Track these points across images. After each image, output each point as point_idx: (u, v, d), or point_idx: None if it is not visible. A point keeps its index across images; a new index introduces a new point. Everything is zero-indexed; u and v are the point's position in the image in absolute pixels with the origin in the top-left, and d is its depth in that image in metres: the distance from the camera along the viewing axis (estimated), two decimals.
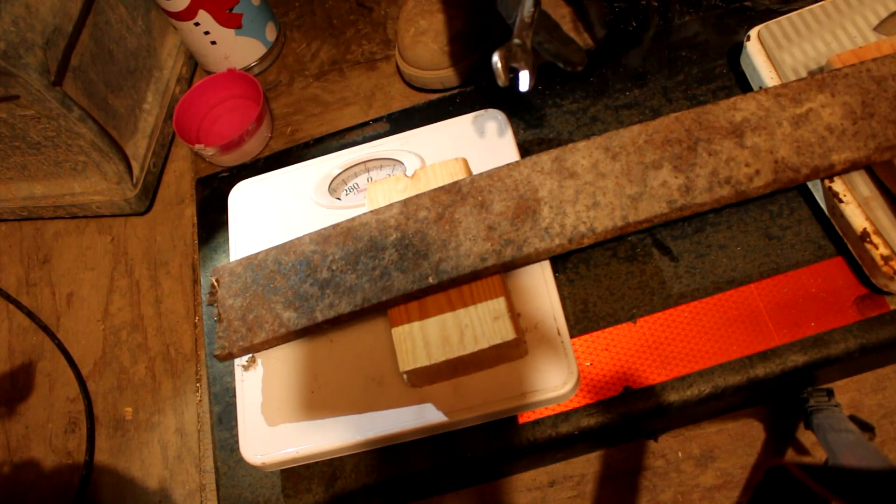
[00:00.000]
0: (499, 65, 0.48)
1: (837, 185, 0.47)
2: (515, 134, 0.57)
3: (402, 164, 0.57)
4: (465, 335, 0.45)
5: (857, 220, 0.46)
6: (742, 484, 0.63)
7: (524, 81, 0.49)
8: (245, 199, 0.60)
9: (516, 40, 0.49)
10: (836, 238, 0.49)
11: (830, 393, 0.58)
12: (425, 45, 0.76)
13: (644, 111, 0.59)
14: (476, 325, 0.45)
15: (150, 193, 0.88)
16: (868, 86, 0.47)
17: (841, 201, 0.47)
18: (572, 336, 0.50)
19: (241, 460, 0.51)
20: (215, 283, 0.52)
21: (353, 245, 0.49)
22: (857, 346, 0.47)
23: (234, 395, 0.54)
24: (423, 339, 0.45)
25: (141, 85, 0.87)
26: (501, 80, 0.49)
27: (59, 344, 0.84)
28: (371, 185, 0.53)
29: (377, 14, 0.94)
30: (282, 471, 0.52)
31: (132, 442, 0.78)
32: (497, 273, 0.47)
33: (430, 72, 0.78)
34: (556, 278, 0.52)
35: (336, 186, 0.59)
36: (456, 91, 0.66)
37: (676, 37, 0.61)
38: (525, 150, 0.59)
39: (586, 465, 0.66)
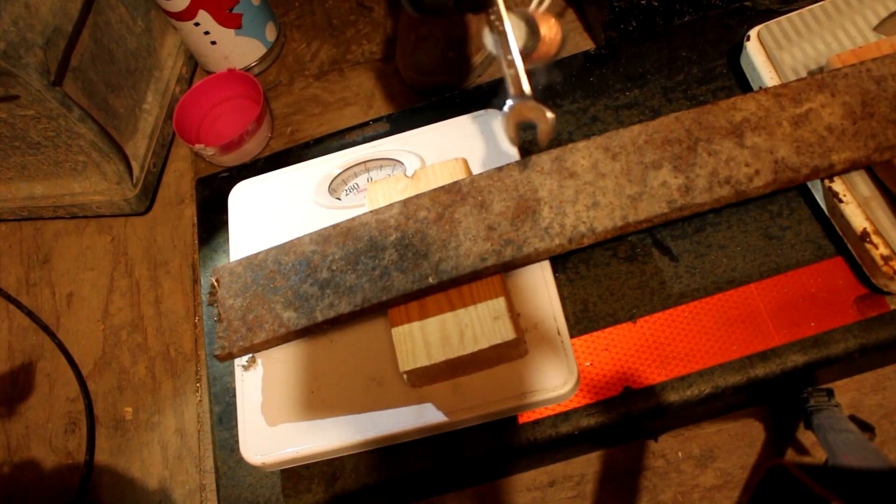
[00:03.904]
0: (510, 129, 0.42)
1: (837, 185, 0.47)
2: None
3: (402, 164, 0.57)
4: (465, 335, 0.45)
5: (857, 220, 0.46)
6: (742, 484, 0.63)
7: (544, 133, 0.43)
8: (245, 199, 0.60)
9: (521, 96, 0.42)
10: (836, 238, 0.49)
11: (830, 393, 0.58)
12: (426, 51, 0.77)
13: (644, 111, 0.59)
14: (476, 325, 0.45)
15: (150, 193, 0.88)
16: (868, 86, 0.47)
17: (841, 201, 0.47)
18: (572, 336, 0.50)
19: (241, 460, 0.51)
20: (215, 283, 0.52)
21: (353, 245, 0.49)
22: (857, 346, 0.47)
23: (234, 395, 0.54)
24: (423, 339, 0.45)
25: (141, 85, 0.87)
26: (513, 142, 0.44)
27: (59, 344, 0.84)
28: (371, 185, 0.53)
29: (377, 14, 0.94)
30: (282, 471, 0.52)
31: (132, 442, 0.78)
32: (497, 273, 0.47)
33: (431, 77, 0.78)
34: (556, 278, 0.52)
35: (336, 186, 0.59)
36: (456, 91, 0.65)
37: (676, 37, 0.61)
38: (525, 150, 0.59)
39: (586, 465, 0.66)
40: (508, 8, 0.41)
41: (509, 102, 0.41)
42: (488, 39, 0.42)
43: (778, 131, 0.47)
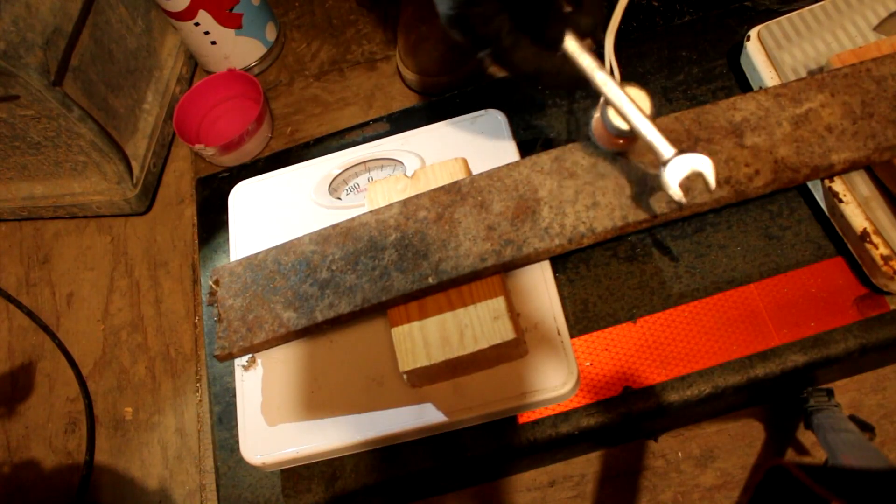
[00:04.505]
0: (675, 191, 0.40)
1: (837, 185, 0.47)
2: (515, 134, 0.57)
3: (402, 164, 0.57)
4: (465, 335, 0.45)
5: (857, 220, 0.46)
6: (742, 484, 0.63)
7: (710, 181, 0.40)
8: (245, 199, 0.60)
9: (671, 156, 0.40)
10: (836, 238, 0.49)
11: (830, 393, 0.58)
12: (426, 52, 0.76)
13: None
14: (476, 325, 0.45)
15: (150, 193, 0.88)
16: (868, 85, 0.47)
17: (841, 201, 0.47)
18: (572, 336, 0.50)
19: (241, 460, 0.51)
20: (214, 284, 0.52)
21: (353, 245, 0.49)
22: (857, 346, 0.47)
23: (234, 395, 0.54)
24: (423, 340, 0.45)
25: (141, 85, 0.87)
26: (681, 198, 0.41)
27: (59, 344, 0.84)
28: (371, 185, 0.53)
29: (377, 14, 0.94)
30: (282, 471, 0.52)
31: (132, 442, 0.78)
32: (497, 273, 0.47)
33: (431, 78, 0.78)
34: (556, 278, 0.52)
35: (336, 186, 0.59)
36: (456, 91, 0.65)
37: (676, 37, 0.61)
38: (525, 150, 0.59)
39: (586, 465, 0.66)
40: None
41: (667, 167, 0.40)
42: (613, 118, 0.41)
43: (778, 131, 0.47)
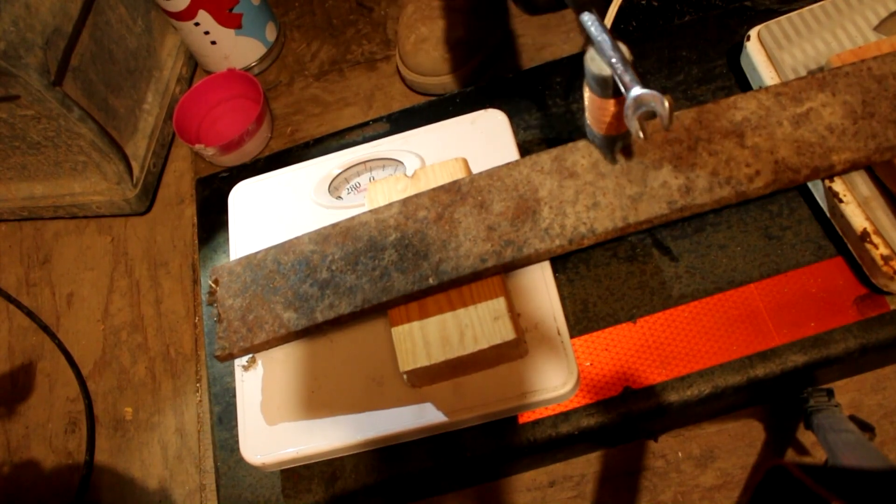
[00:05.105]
0: (633, 123, 0.40)
1: (837, 185, 0.47)
2: (515, 134, 0.57)
3: (402, 164, 0.57)
4: (465, 335, 0.45)
5: (857, 220, 0.46)
6: (742, 484, 0.63)
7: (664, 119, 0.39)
8: (245, 199, 0.60)
9: (638, 88, 0.39)
10: (836, 238, 0.49)
11: (830, 393, 0.58)
12: (427, 52, 0.76)
13: None
14: (476, 325, 0.45)
15: (150, 193, 0.88)
16: (868, 85, 0.47)
17: (841, 201, 0.46)
18: (572, 336, 0.50)
19: (241, 460, 0.51)
20: (213, 284, 0.52)
21: (353, 245, 0.49)
22: (857, 346, 0.47)
23: (234, 395, 0.54)
24: (423, 340, 0.45)
25: (141, 85, 0.87)
26: (637, 133, 0.41)
27: (59, 344, 0.84)
28: (371, 184, 0.53)
29: (377, 14, 0.94)
30: (282, 471, 0.52)
31: (132, 442, 0.78)
32: (497, 273, 0.47)
33: (431, 78, 0.78)
34: (556, 278, 0.52)
35: (337, 186, 0.59)
36: (456, 91, 0.65)
37: (676, 37, 0.61)
38: (525, 150, 0.59)
39: (586, 465, 0.66)
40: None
41: (631, 95, 0.39)
42: (592, 62, 0.41)
43: (778, 131, 0.47)
